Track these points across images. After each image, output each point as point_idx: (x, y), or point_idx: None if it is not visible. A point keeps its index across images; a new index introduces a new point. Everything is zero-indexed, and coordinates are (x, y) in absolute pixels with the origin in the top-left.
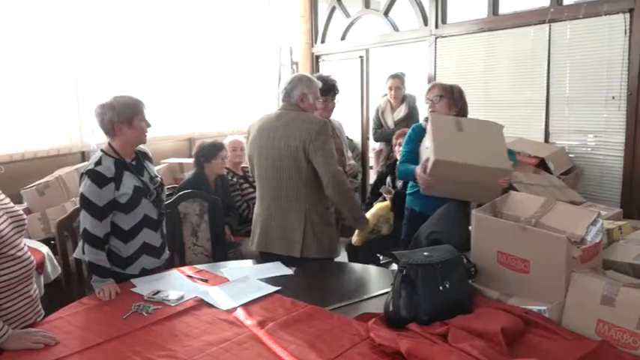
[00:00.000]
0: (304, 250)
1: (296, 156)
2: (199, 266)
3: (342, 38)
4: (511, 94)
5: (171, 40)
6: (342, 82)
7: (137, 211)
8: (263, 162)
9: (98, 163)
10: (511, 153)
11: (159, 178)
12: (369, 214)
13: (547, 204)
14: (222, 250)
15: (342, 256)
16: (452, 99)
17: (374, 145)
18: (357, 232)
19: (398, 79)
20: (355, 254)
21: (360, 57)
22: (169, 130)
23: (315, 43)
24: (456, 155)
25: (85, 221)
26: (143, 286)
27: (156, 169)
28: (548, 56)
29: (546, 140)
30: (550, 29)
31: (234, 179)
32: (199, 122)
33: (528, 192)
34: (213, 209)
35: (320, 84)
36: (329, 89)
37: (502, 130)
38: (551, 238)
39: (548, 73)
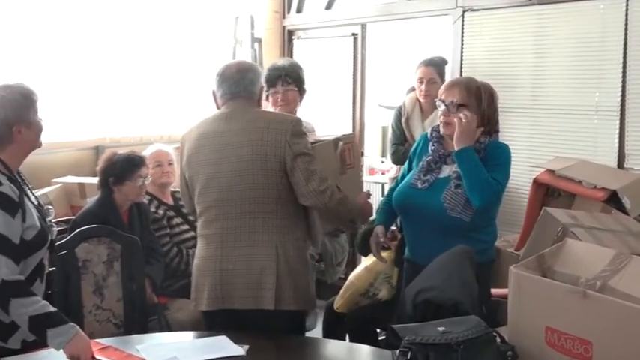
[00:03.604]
0: (279, 298)
1: (268, 168)
2: (104, 340)
3: (328, 7)
4: (569, 98)
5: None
6: (326, 69)
7: (34, 256)
8: (212, 183)
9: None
10: None
11: (50, 208)
12: (361, 268)
13: (619, 259)
14: (139, 317)
15: (318, 329)
16: (478, 108)
17: (388, 169)
18: (341, 292)
19: (433, 67)
20: (338, 325)
21: (354, 35)
22: (66, 134)
23: (288, 12)
24: None
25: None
26: None
27: (43, 193)
28: (625, 43)
29: (620, 165)
30: (628, 4)
31: (161, 211)
32: (112, 123)
33: (592, 240)
34: (128, 255)
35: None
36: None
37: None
38: (623, 309)
39: (624, 67)
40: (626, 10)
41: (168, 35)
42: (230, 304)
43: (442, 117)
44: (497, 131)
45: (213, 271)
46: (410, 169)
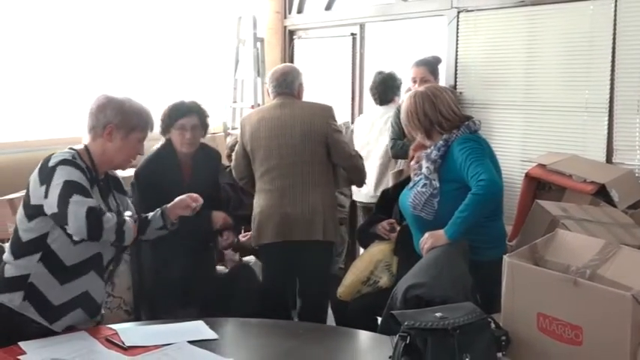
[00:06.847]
0: (325, 232)
1: (315, 139)
2: (118, 326)
3: (328, 8)
4: (560, 95)
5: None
6: (326, 68)
7: (89, 244)
8: (274, 152)
9: (73, 160)
10: None
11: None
12: (362, 258)
13: (607, 249)
14: (148, 303)
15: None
16: (415, 126)
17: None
18: (343, 280)
19: (425, 67)
20: (341, 312)
21: (352, 35)
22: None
23: (289, 13)
24: None
25: (84, 204)
26: (36, 354)
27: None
28: (614, 43)
29: (609, 160)
30: (616, 4)
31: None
32: None
33: (582, 231)
34: (136, 246)
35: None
36: None
37: None
38: (611, 296)
39: (613, 66)
40: (615, 10)
41: (174, 35)
42: (290, 237)
43: None
44: (459, 125)
45: (276, 214)
46: None
